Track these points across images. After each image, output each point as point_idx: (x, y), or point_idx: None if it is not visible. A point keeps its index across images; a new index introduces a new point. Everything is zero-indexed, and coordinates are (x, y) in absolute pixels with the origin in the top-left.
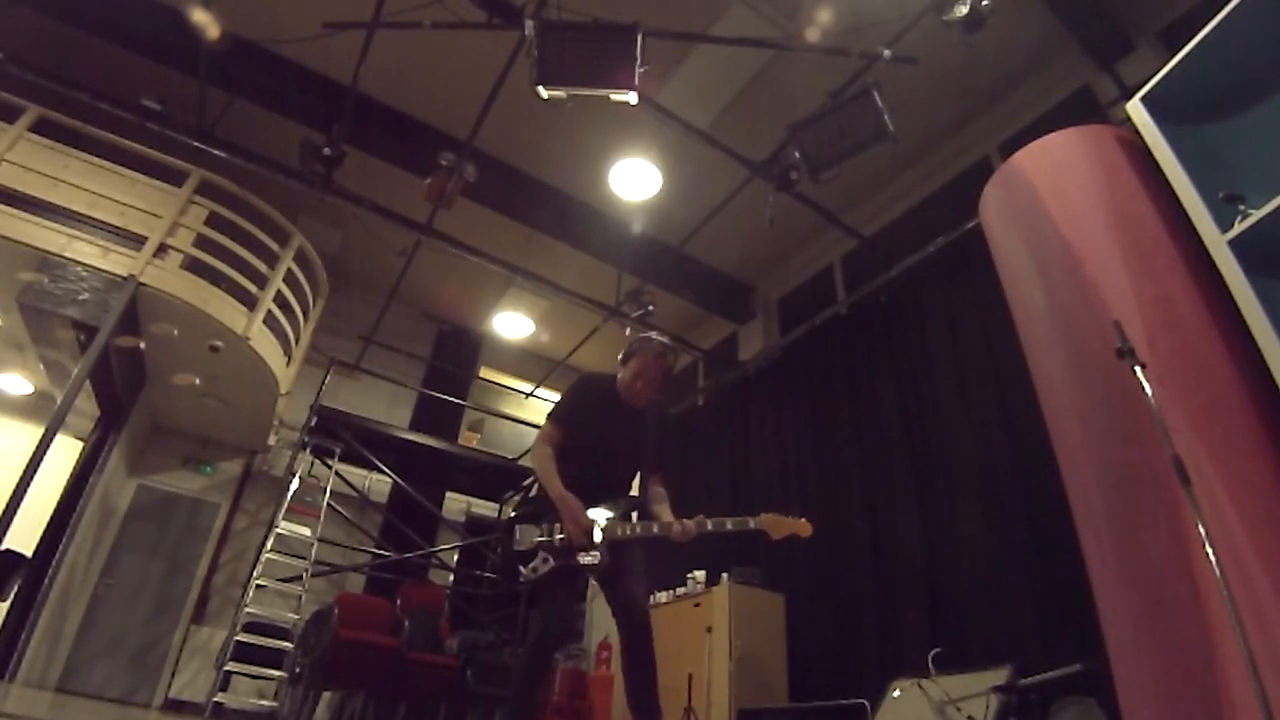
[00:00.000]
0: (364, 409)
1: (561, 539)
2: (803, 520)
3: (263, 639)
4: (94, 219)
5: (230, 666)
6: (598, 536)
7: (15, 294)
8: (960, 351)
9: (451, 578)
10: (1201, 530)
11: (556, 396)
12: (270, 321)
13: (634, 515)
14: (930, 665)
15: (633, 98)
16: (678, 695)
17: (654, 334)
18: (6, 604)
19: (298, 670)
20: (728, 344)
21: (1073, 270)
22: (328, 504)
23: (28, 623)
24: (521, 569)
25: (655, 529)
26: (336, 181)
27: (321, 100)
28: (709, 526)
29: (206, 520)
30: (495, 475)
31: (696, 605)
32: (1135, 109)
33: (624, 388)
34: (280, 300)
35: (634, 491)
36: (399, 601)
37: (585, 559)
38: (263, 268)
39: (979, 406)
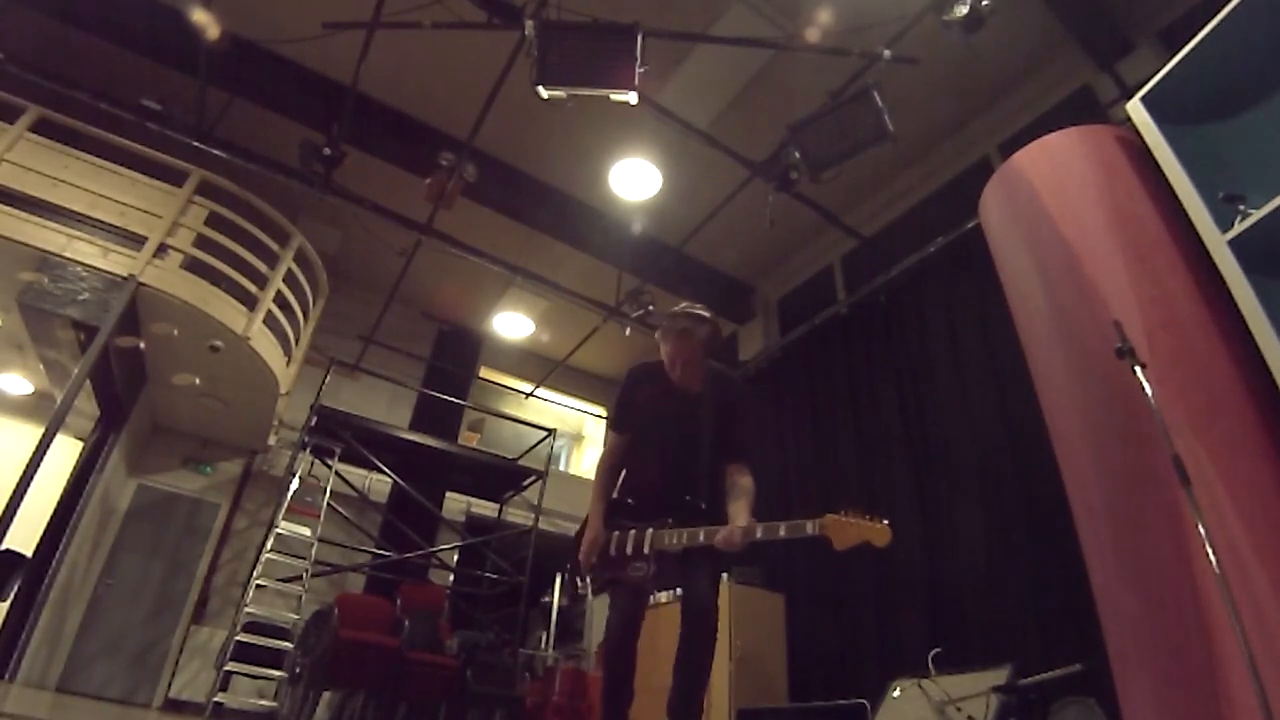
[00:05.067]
0: (364, 409)
1: (616, 551)
2: (881, 524)
3: (263, 639)
4: (94, 219)
5: (230, 666)
6: (646, 547)
7: (15, 294)
8: (960, 351)
9: (451, 578)
10: (1201, 530)
11: (556, 396)
12: (270, 321)
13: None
14: (930, 665)
15: (633, 98)
16: None
17: (681, 307)
18: (6, 604)
19: (298, 670)
20: (728, 344)
21: (1073, 270)
22: (328, 504)
23: (28, 623)
24: (578, 580)
25: (701, 537)
26: (336, 181)
27: (321, 100)
28: (758, 534)
29: (206, 520)
30: (495, 475)
31: None
32: (1135, 109)
33: (670, 373)
34: (280, 300)
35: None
36: (399, 601)
37: (633, 573)
38: (263, 268)
39: (979, 406)
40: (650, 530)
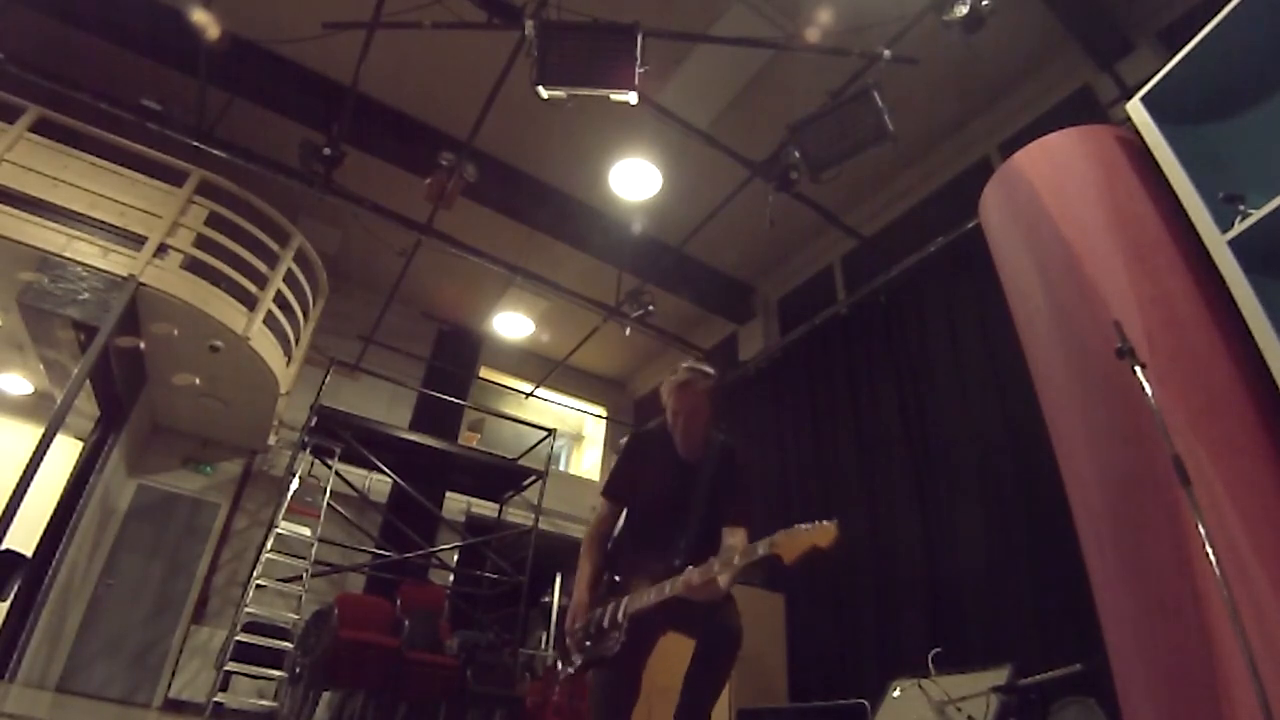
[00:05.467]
0: (364, 409)
1: (595, 628)
2: (824, 523)
3: (263, 639)
4: (94, 219)
5: (230, 666)
6: (620, 615)
7: (15, 294)
8: (960, 351)
9: (451, 578)
10: (1201, 530)
11: (556, 396)
12: (270, 321)
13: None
14: (930, 665)
15: (633, 98)
16: (675, 696)
17: (684, 364)
18: (6, 604)
19: (298, 670)
20: (728, 344)
21: (1073, 270)
22: (328, 504)
23: (28, 623)
24: (559, 663)
25: (668, 589)
26: (336, 181)
27: (321, 100)
28: (716, 570)
29: (206, 520)
30: (495, 475)
31: None
32: (1135, 109)
33: (674, 434)
34: (280, 300)
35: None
36: (399, 601)
37: (609, 644)
38: (263, 268)
39: (979, 406)
40: (625, 598)
